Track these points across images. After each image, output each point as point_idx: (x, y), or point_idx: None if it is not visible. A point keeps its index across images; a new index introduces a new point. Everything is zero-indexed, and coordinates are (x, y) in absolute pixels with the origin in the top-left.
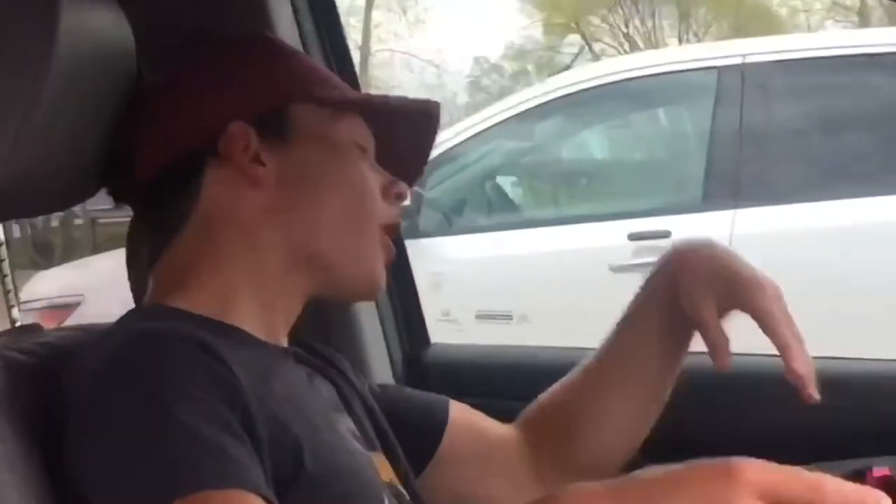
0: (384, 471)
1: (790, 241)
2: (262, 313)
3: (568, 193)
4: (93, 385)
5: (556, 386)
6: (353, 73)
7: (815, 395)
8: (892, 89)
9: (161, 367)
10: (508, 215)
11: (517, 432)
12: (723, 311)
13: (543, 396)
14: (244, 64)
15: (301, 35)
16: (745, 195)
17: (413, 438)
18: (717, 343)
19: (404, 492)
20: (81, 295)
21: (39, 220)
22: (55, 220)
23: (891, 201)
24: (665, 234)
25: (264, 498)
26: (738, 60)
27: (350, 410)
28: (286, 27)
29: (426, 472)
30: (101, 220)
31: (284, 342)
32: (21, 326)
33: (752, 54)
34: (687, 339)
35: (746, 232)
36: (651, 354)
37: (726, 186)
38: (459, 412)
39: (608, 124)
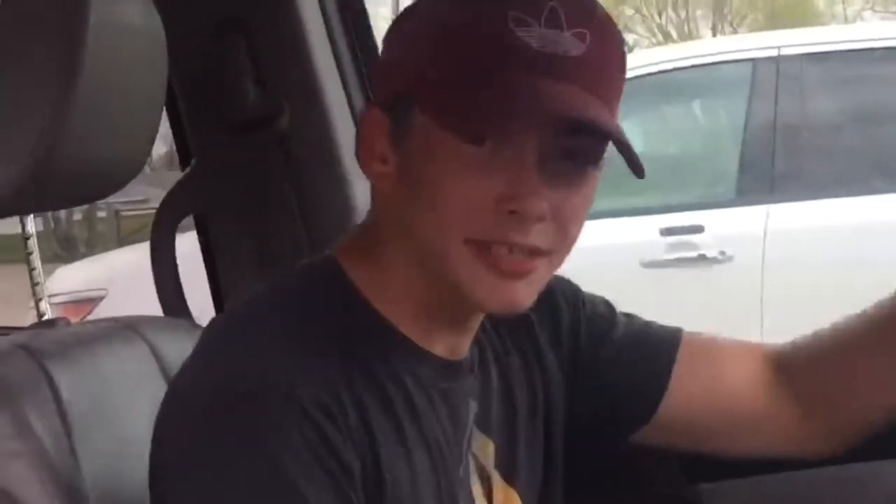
0: (504, 496)
1: (825, 237)
2: (414, 312)
3: (599, 187)
4: (182, 423)
5: (825, 329)
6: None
7: None
8: None
9: (259, 433)
10: None
11: (766, 369)
12: None
13: (807, 347)
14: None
15: (328, 28)
16: (780, 190)
17: (625, 406)
18: None
19: None
20: (105, 289)
21: (62, 213)
22: (78, 213)
23: None
24: (698, 229)
25: None
26: (773, 53)
27: (493, 423)
28: (314, 20)
29: (647, 428)
30: (124, 213)
31: (447, 351)
32: (48, 320)
33: (787, 46)
34: None
35: (781, 227)
36: None
37: (761, 181)
38: (694, 344)
39: (641, 117)
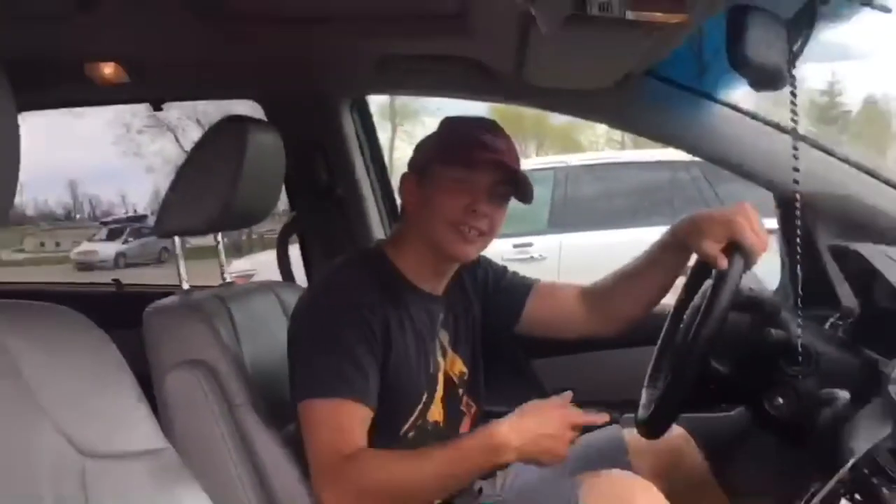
0: (454, 365)
1: (589, 248)
2: (418, 267)
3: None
4: (302, 313)
5: (609, 274)
6: (382, 157)
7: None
8: (640, 178)
9: (328, 323)
10: None
11: (582, 296)
12: (718, 242)
13: (603, 279)
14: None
15: (360, 142)
16: (567, 226)
17: (505, 309)
18: (717, 260)
19: (460, 381)
20: (255, 270)
21: (234, 234)
22: (244, 235)
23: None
24: (530, 244)
25: (364, 402)
26: (564, 164)
27: (450, 326)
28: (352, 139)
29: (518, 325)
30: (265, 235)
31: (432, 289)
32: (228, 282)
33: (571, 162)
34: (682, 263)
35: (567, 243)
36: (661, 268)
37: (559, 222)
38: (543, 285)
39: None
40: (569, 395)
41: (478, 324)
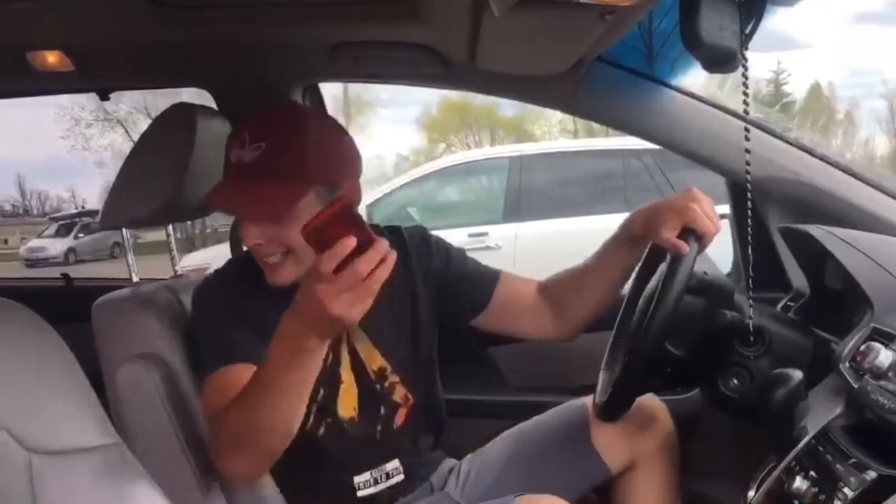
0: (371, 360)
1: (543, 236)
2: None
3: (440, 215)
4: (191, 318)
5: (563, 271)
6: None
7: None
8: (594, 166)
9: (209, 304)
10: (410, 222)
11: (539, 293)
12: (674, 229)
13: (555, 275)
14: None
15: None
16: (521, 216)
17: (468, 298)
18: (676, 246)
19: (378, 375)
20: (209, 264)
21: (188, 228)
22: (198, 229)
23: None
24: (485, 233)
25: (245, 360)
26: (518, 153)
27: (367, 315)
28: None
29: (480, 317)
30: (218, 229)
31: None
32: (179, 275)
33: (524, 151)
34: (636, 258)
35: (522, 233)
36: (615, 264)
37: (513, 212)
38: (506, 278)
39: (459, 184)
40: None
41: (423, 306)
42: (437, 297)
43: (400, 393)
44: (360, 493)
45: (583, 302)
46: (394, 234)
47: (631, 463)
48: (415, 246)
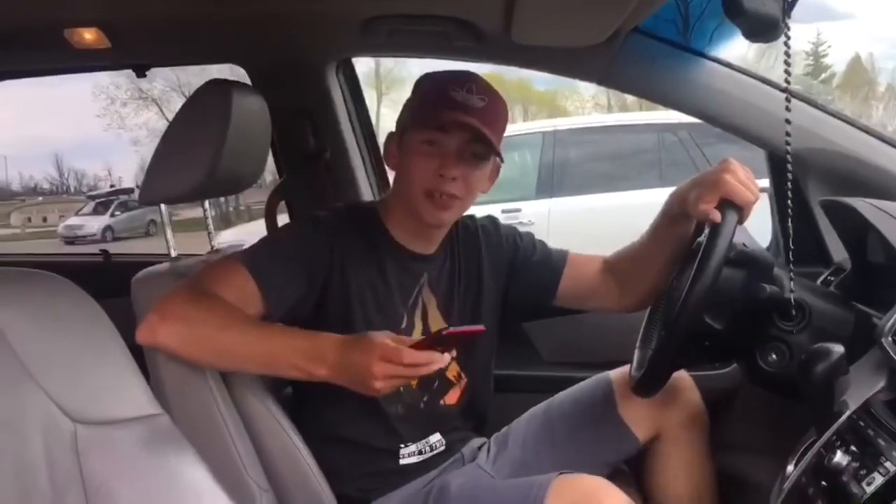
0: (437, 326)
1: (577, 213)
2: (403, 227)
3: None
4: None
5: (625, 247)
6: (370, 120)
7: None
8: (628, 141)
9: (301, 225)
10: None
11: (604, 270)
12: (710, 202)
13: (619, 251)
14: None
15: (346, 106)
16: (555, 192)
17: (538, 283)
18: (711, 215)
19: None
20: (244, 241)
21: (222, 206)
22: (232, 206)
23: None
24: (518, 209)
25: (263, 292)
26: (552, 129)
27: (441, 290)
28: (340, 104)
29: (551, 300)
30: (252, 206)
31: (421, 248)
32: (216, 250)
33: (558, 126)
34: (684, 233)
35: (556, 209)
36: (665, 242)
37: (546, 188)
38: (575, 258)
39: None
40: (415, 340)
41: (490, 290)
42: (505, 286)
43: (454, 371)
44: (402, 462)
45: (644, 276)
46: (469, 221)
47: (658, 435)
48: (486, 235)
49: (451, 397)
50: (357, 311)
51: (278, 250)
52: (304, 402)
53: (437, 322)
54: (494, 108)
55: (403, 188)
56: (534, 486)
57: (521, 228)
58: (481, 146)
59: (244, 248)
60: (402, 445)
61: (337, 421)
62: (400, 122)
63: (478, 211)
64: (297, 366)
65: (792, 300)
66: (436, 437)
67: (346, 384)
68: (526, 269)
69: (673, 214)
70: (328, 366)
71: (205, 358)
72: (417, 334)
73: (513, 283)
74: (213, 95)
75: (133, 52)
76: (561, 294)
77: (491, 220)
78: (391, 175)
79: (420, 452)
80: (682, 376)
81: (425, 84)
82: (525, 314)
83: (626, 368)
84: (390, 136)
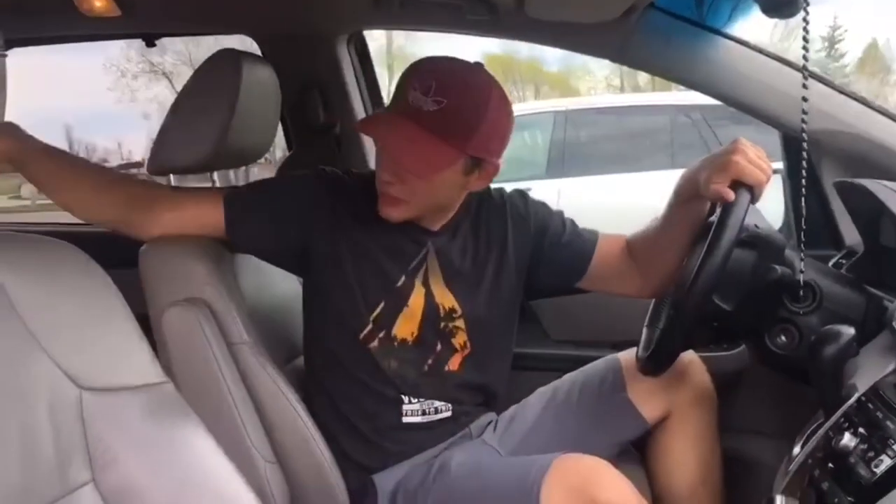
0: (443, 298)
1: (586, 192)
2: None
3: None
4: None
5: (643, 229)
6: (380, 94)
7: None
8: (640, 121)
9: (299, 179)
10: None
11: (627, 253)
12: (720, 183)
13: (637, 233)
14: None
15: (357, 81)
16: (564, 172)
17: (567, 264)
18: (721, 195)
19: (446, 314)
20: None
21: (231, 179)
22: (241, 180)
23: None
24: (529, 189)
25: (226, 225)
26: (563, 108)
27: (450, 263)
28: (350, 77)
29: (579, 282)
30: None
31: (426, 224)
32: None
33: (570, 107)
34: (698, 215)
35: (565, 189)
36: (679, 224)
37: (556, 167)
38: (602, 243)
39: None
40: None
41: (506, 273)
42: (528, 263)
43: (461, 339)
44: (405, 419)
45: (662, 261)
46: (496, 194)
47: (666, 416)
48: (514, 209)
49: (454, 363)
50: (349, 266)
51: (261, 197)
52: (311, 371)
53: (440, 290)
54: (454, 110)
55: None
56: (534, 466)
57: None
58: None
59: (243, 187)
60: (403, 397)
61: (341, 381)
62: None
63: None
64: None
65: (801, 281)
66: (442, 403)
67: None
68: (554, 250)
69: (684, 196)
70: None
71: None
72: (418, 296)
73: (538, 263)
74: (224, 65)
75: (143, 21)
76: (588, 278)
77: (521, 193)
78: None
79: (424, 413)
80: (690, 356)
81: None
82: (545, 293)
83: (634, 350)
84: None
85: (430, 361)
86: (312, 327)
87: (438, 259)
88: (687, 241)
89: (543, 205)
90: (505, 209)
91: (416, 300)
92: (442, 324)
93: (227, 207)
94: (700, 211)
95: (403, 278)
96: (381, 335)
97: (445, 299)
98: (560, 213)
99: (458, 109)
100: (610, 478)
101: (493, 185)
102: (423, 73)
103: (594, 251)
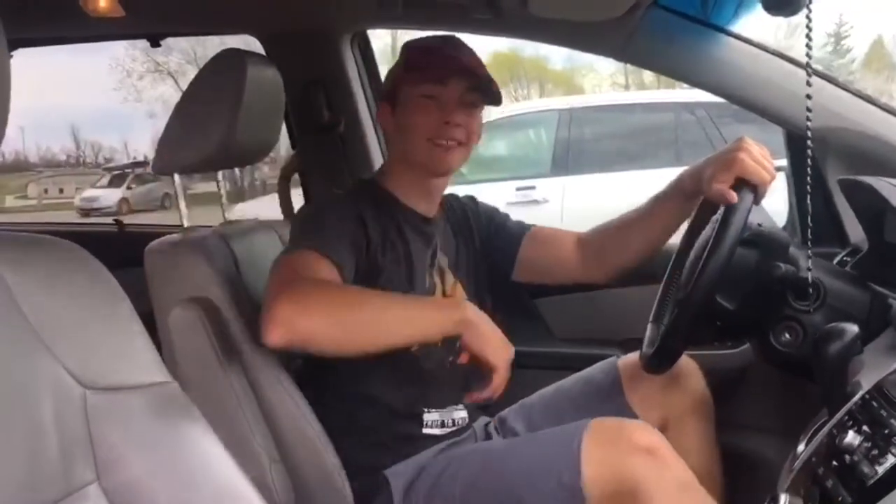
0: (455, 290)
1: (589, 190)
2: (407, 187)
3: (488, 168)
4: (300, 211)
5: (610, 220)
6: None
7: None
8: (644, 119)
9: (324, 208)
10: (460, 178)
11: (577, 243)
12: (724, 182)
13: (601, 224)
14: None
15: (361, 80)
16: (570, 170)
17: (499, 254)
18: (725, 195)
19: None
20: (258, 215)
21: (238, 180)
22: (246, 180)
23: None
24: (533, 187)
25: (336, 261)
26: (567, 106)
27: (451, 252)
28: (354, 75)
29: (518, 260)
30: (267, 181)
31: (425, 210)
32: (229, 221)
33: (574, 104)
34: (685, 214)
35: (570, 186)
36: (662, 218)
37: (562, 165)
38: (537, 230)
39: (510, 137)
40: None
41: (480, 258)
42: (482, 248)
43: None
44: (424, 430)
45: (623, 251)
46: (452, 197)
47: (663, 421)
48: (472, 207)
49: (465, 356)
50: (395, 273)
51: (329, 226)
52: (325, 368)
53: (452, 283)
54: (477, 58)
55: (408, 144)
56: (570, 428)
57: (536, 205)
58: (475, 94)
59: (292, 238)
60: (426, 409)
61: (364, 382)
62: (387, 92)
63: (492, 187)
64: (435, 320)
65: (810, 277)
66: (460, 414)
67: (479, 344)
68: (493, 236)
69: (685, 192)
70: (468, 320)
71: (347, 338)
72: (438, 293)
73: (486, 249)
74: (228, 65)
75: (147, 22)
76: (521, 265)
77: (471, 197)
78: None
79: (442, 424)
80: (687, 362)
81: (412, 47)
82: (493, 282)
83: (633, 355)
84: (381, 107)
85: (450, 358)
86: None
87: (443, 251)
88: (658, 237)
89: (483, 202)
90: (465, 205)
91: (438, 295)
92: None
93: (329, 257)
94: (685, 211)
95: (427, 277)
96: None
97: (456, 291)
98: (494, 209)
99: (479, 61)
100: (644, 427)
101: (466, 196)
102: (442, 38)
103: (523, 239)
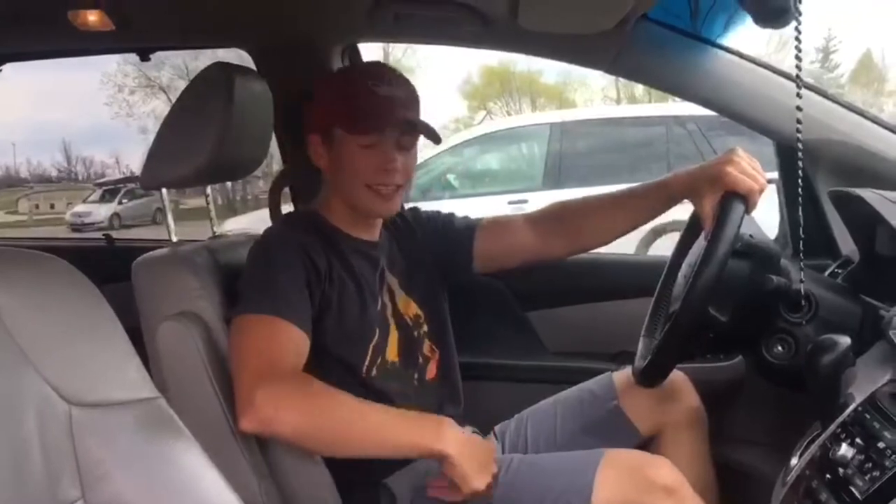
0: (408, 307)
1: None
2: (349, 220)
3: (480, 182)
4: (249, 255)
5: (578, 199)
6: None
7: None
8: (636, 133)
9: (273, 253)
10: (452, 192)
11: (529, 222)
12: (714, 197)
13: (567, 203)
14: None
15: None
16: (561, 183)
17: (456, 253)
18: (710, 223)
19: (414, 323)
20: (250, 228)
21: (229, 195)
22: (238, 195)
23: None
24: (525, 201)
25: (299, 326)
26: (559, 120)
27: (399, 270)
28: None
29: (475, 254)
30: (259, 196)
31: (368, 236)
32: (217, 235)
33: (565, 118)
34: (658, 213)
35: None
36: (635, 210)
37: (553, 179)
38: (488, 221)
39: (502, 150)
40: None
41: (432, 269)
42: (434, 257)
43: (428, 345)
44: None
45: (583, 232)
46: (404, 215)
47: (657, 437)
48: (416, 217)
49: (431, 371)
50: (349, 303)
51: (284, 279)
52: None
53: (407, 303)
54: (412, 91)
55: (346, 187)
56: (585, 455)
57: None
58: (413, 135)
59: (246, 298)
60: None
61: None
62: (316, 125)
63: (484, 201)
64: (417, 442)
65: (802, 290)
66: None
67: (459, 469)
68: (444, 241)
69: (669, 196)
70: (451, 444)
71: (321, 441)
72: (390, 313)
73: (439, 256)
74: (216, 79)
75: (137, 35)
76: (479, 257)
77: (413, 208)
78: None
79: None
80: (679, 376)
81: (344, 81)
82: (458, 286)
83: (628, 369)
84: (310, 139)
85: (416, 376)
86: (309, 368)
87: (390, 271)
88: (622, 230)
89: (429, 210)
90: (408, 219)
91: (391, 316)
92: (414, 333)
93: (293, 321)
94: (658, 213)
95: (379, 300)
96: (379, 362)
97: (409, 308)
98: (438, 212)
99: (411, 88)
100: (664, 463)
101: (411, 207)
102: (371, 70)
103: (475, 231)
